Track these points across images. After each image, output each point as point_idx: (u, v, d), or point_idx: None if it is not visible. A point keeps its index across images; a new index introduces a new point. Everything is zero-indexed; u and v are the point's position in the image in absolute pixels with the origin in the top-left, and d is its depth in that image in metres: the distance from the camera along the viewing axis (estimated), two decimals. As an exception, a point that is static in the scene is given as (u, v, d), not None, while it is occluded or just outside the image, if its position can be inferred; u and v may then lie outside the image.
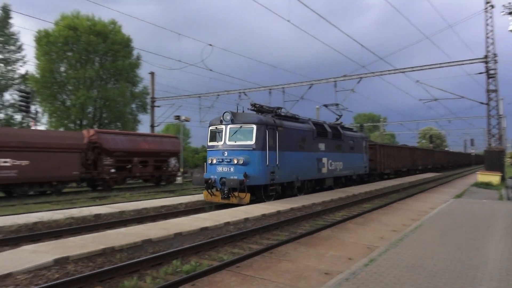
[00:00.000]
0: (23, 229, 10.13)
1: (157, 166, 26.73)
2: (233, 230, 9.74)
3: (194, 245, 7.85)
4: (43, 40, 37.60)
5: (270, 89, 31.93)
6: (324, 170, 19.33)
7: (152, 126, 37.32)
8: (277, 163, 15.11)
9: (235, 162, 14.28)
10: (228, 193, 14.21)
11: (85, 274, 5.87)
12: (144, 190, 23.29)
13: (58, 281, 5.51)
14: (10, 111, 36.54)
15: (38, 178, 19.57)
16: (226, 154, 14.65)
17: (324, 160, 19.30)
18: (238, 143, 14.61)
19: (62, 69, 39.56)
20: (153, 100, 37.60)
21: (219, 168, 14.73)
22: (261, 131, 14.50)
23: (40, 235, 9.43)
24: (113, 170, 23.49)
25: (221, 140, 14.96)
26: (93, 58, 40.05)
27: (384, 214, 13.29)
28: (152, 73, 37.53)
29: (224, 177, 14.29)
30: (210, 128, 15.65)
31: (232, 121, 14.85)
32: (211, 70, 28.28)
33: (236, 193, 14.11)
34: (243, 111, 15.84)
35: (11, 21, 35.80)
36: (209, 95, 35.46)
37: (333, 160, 20.33)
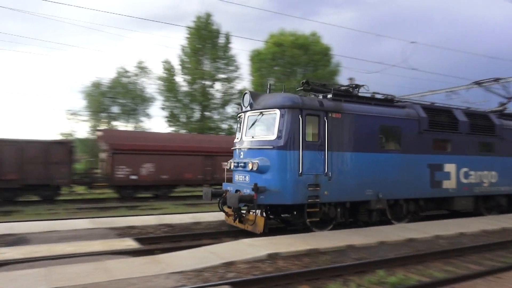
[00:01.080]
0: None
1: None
2: (444, 244, 8.71)
3: (400, 256, 7.37)
4: (256, 58, 42.89)
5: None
6: (449, 183, 12.00)
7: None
8: (326, 170, 9.58)
9: (250, 167, 9.49)
10: (238, 214, 9.78)
11: (295, 271, 6.26)
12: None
13: (271, 274, 6.05)
14: (231, 122, 43.12)
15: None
16: (242, 156, 10.09)
17: (449, 167, 12.06)
18: (256, 138, 9.75)
19: (270, 82, 44.12)
20: (352, 105, 37.72)
21: (236, 176, 10.42)
22: (290, 119, 9.24)
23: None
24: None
25: (240, 135, 10.42)
26: (296, 70, 43.24)
27: None
28: (350, 79, 37.78)
29: (239, 190, 9.57)
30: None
31: (251, 106, 10.03)
32: (414, 69, 26.39)
33: (250, 215, 9.66)
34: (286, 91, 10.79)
35: (230, 45, 42.30)
36: (412, 96, 33.11)
37: (472, 167, 12.60)
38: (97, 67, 68.10)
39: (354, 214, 10.54)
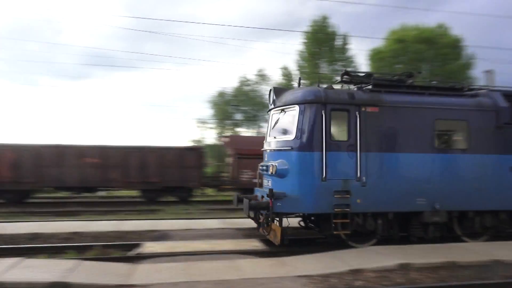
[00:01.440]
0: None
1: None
2: None
3: None
4: (375, 57, 41.08)
5: None
6: None
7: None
8: (359, 174, 8.10)
9: (270, 171, 8.57)
10: (258, 223, 9.03)
11: (430, 285, 5.77)
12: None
13: (405, 286, 5.67)
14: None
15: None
16: (266, 158, 9.39)
17: None
18: (277, 139, 8.89)
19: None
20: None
21: (265, 181, 9.46)
22: (310, 116, 8.07)
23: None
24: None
25: (266, 136, 9.71)
26: (420, 66, 40.05)
27: None
28: (488, 71, 33.45)
29: (263, 196, 8.68)
30: None
31: (274, 103, 9.10)
32: None
33: (272, 224, 8.58)
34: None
35: (348, 46, 41.32)
36: None
37: None
38: (222, 78, 73.49)
39: (405, 228, 8.86)
